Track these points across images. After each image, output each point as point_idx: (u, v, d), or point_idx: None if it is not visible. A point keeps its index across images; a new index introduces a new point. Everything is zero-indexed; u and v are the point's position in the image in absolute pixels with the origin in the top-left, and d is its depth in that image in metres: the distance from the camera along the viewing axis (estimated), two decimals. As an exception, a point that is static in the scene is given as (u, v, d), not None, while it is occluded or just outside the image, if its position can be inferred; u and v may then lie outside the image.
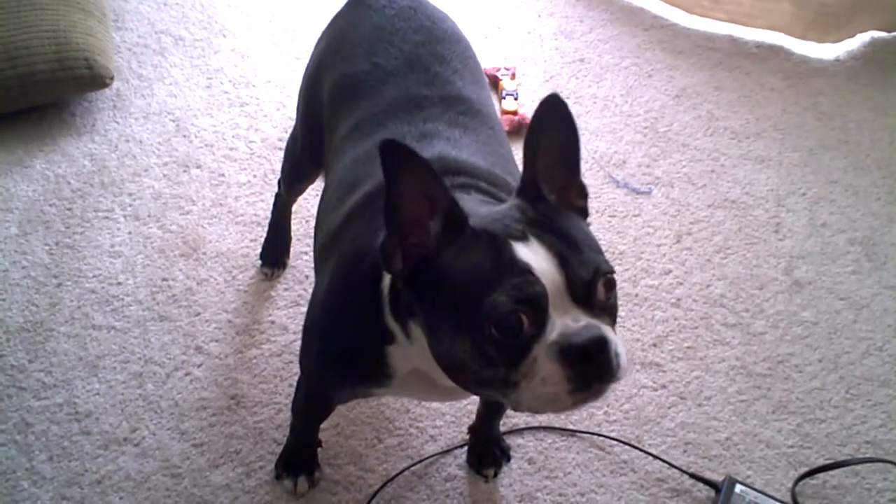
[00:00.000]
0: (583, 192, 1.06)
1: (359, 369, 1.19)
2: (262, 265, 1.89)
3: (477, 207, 1.05)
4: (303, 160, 1.63)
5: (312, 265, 1.88)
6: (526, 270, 0.92)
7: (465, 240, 0.97)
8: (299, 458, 1.54)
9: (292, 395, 1.66)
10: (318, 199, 2.01)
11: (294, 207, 1.88)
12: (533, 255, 0.93)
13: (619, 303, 1.83)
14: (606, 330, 0.94)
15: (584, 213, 1.07)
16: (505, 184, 1.20)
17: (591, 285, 0.95)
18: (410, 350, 1.09)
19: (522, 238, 0.95)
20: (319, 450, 1.57)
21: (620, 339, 0.96)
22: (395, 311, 1.07)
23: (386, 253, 0.98)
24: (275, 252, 1.89)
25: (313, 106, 1.50)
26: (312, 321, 1.27)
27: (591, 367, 0.92)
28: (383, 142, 0.92)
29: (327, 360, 1.25)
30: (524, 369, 0.93)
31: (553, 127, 1.01)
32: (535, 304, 0.92)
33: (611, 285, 0.98)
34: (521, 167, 1.07)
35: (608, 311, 0.98)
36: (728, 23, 2.68)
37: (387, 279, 1.07)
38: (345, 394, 1.37)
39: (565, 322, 0.92)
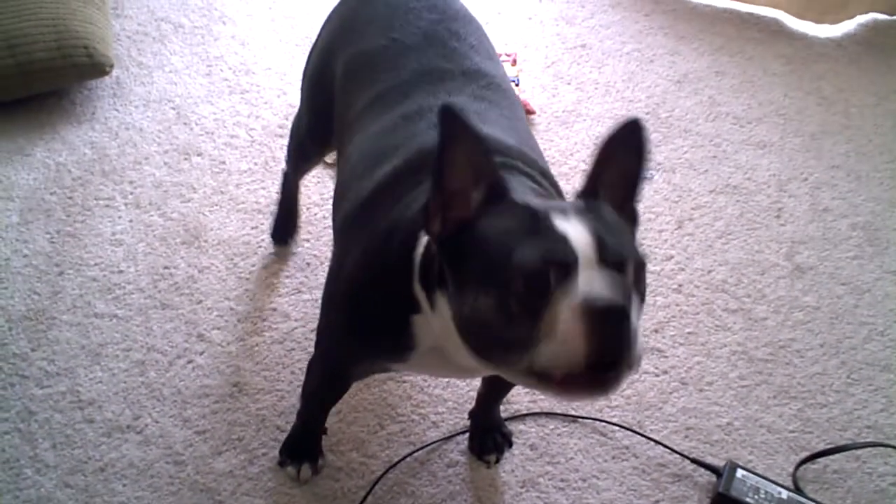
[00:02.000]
0: (633, 217, 1.08)
1: (383, 338, 1.18)
2: (273, 244, 1.89)
3: (528, 195, 1.07)
4: (308, 142, 1.65)
5: (316, 248, 1.91)
6: (561, 238, 0.93)
7: (505, 207, 0.99)
8: (303, 445, 1.54)
9: (294, 382, 1.67)
10: (318, 186, 2.03)
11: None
12: (571, 228, 0.94)
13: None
14: (630, 306, 0.92)
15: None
16: (535, 164, 1.21)
17: (622, 264, 0.95)
18: (434, 322, 1.09)
19: (563, 215, 0.96)
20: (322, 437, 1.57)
21: (641, 328, 0.94)
22: (423, 279, 1.08)
23: (428, 214, 1.00)
24: (284, 230, 1.90)
25: (322, 88, 1.49)
26: (336, 292, 1.26)
27: (608, 332, 0.90)
28: (442, 106, 0.94)
29: (352, 329, 1.23)
30: (545, 328, 0.91)
31: (626, 148, 1.04)
32: (565, 265, 0.92)
33: (641, 268, 0.98)
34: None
35: (637, 290, 0.97)
36: (727, 0, 2.67)
37: (419, 248, 1.08)
38: (364, 367, 1.36)
39: (592, 286, 0.91)
